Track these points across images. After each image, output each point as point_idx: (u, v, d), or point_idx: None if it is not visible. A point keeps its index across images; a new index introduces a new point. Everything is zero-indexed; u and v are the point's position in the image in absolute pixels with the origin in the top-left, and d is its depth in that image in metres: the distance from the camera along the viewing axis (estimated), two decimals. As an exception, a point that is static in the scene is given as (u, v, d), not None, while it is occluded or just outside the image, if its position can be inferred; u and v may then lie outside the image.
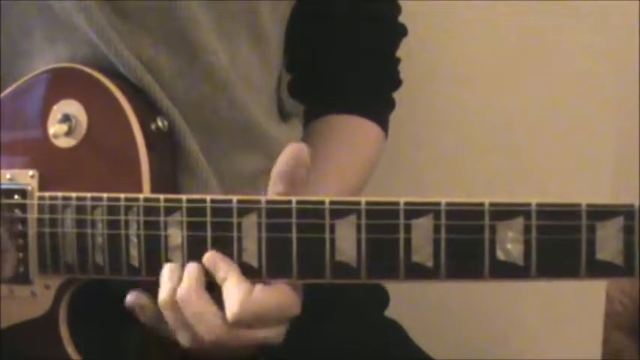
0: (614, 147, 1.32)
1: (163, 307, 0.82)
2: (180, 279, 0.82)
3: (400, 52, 1.13)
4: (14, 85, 0.93)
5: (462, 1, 1.27)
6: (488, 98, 1.30)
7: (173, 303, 0.81)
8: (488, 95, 1.30)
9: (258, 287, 0.80)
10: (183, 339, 0.83)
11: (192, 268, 0.82)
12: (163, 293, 0.82)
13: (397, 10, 1.12)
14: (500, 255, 0.74)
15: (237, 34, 0.96)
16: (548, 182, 1.30)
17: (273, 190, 0.81)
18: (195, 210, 0.82)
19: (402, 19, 1.13)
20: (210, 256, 0.82)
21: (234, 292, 0.80)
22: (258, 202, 0.81)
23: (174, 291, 0.81)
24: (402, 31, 1.13)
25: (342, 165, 1.04)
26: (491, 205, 0.74)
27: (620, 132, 1.33)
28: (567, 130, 1.30)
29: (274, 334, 0.83)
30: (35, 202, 0.88)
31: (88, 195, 0.86)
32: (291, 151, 0.81)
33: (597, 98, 1.31)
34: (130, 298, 0.85)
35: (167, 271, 0.83)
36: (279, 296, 0.81)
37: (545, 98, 1.30)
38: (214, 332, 0.81)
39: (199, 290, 0.81)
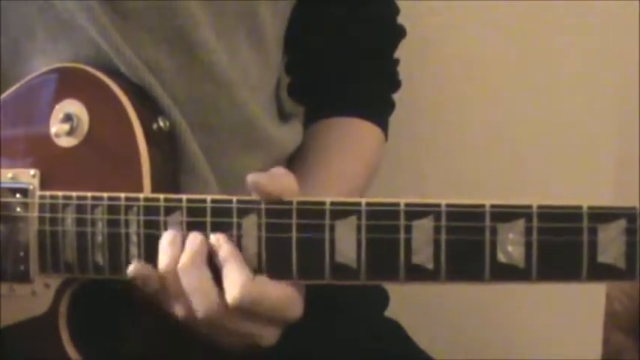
0: (615, 147, 1.32)
1: (164, 275, 0.82)
2: (181, 248, 0.82)
3: (399, 53, 1.13)
4: (17, 85, 0.93)
5: (461, 2, 1.26)
6: (488, 99, 1.30)
7: (174, 271, 0.81)
8: (488, 96, 1.30)
9: (261, 276, 0.81)
10: (178, 310, 0.83)
11: (194, 238, 0.82)
12: (165, 261, 0.82)
13: (396, 11, 1.12)
14: (501, 257, 0.74)
15: (236, 34, 0.96)
16: (549, 182, 1.30)
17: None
18: (196, 210, 0.82)
19: (400, 19, 1.13)
20: (215, 236, 0.82)
21: (236, 275, 0.80)
22: (258, 202, 0.81)
23: (175, 259, 0.81)
24: (400, 32, 1.13)
25: (343, 168, 1.03)
26: (492, 206, 0.74)
27: (621, 132, 1.33)
28: (568, 130, 1.30)
29: (268, 332, 0.83)
30: (36, 200, 0.88)
31: (89, 194, 0.86)
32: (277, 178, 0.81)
33: (597, 98, 1.31)
34: (133, 268, 0.84)
35: (168, 238, 0.82)
36: (280, 290, 0.81)
37: (545, 99, 1.30)
38: (209, 309, 0.81)
39: (200, 261, 0.81)
